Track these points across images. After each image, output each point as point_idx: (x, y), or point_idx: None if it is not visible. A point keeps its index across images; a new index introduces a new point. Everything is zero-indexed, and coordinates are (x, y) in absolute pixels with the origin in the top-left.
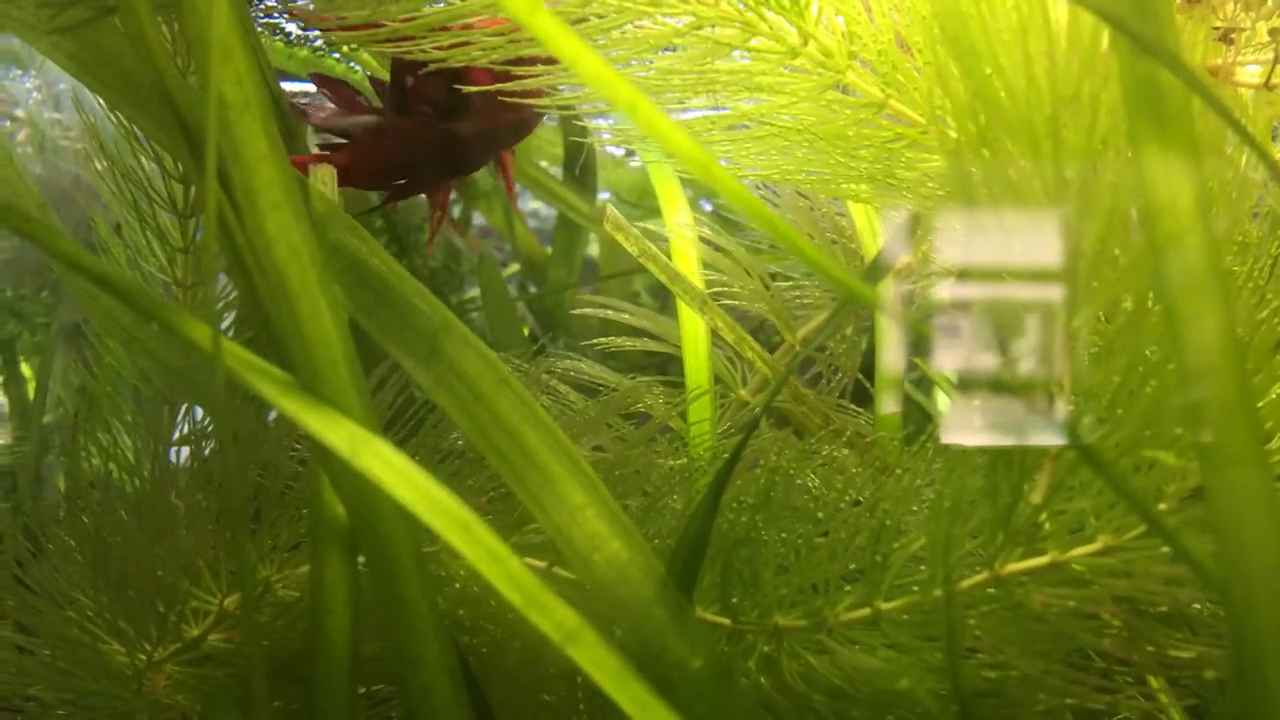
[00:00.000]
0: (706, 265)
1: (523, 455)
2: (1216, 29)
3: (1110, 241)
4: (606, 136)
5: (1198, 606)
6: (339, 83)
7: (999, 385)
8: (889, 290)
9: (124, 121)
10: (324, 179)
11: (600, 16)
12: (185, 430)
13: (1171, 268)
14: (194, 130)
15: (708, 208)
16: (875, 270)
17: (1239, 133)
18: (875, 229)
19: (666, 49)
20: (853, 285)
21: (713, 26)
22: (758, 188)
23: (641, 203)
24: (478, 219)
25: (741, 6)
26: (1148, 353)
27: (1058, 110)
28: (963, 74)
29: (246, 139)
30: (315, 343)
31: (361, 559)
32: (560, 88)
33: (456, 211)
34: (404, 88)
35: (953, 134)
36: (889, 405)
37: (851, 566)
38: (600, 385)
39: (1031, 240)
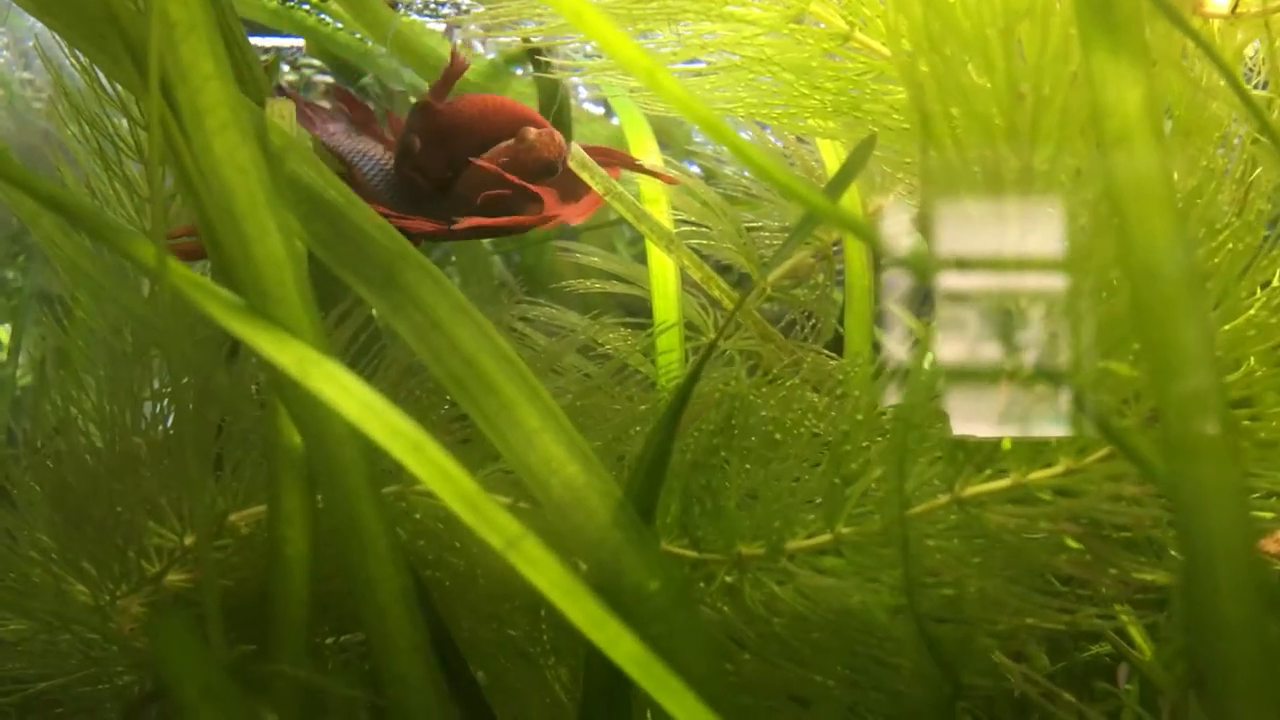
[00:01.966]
0: (677, 209)
1: (479, 381)
2: None
3: (1064, 157)
4: (582, 92)
5: (1157, 532)
6: (357, 103)
7: (961, 304)
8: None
9: (88, 68)
10: (282, 112)
11: None
12: (155, 388)
13: (1119, 169)
14: (140, 53)
15: (693, 168)
16: (835, 187)
17: (1197, 42)
18: None
19: None
20: (809, 196)
21: None
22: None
23: None
24: None
25: None
26: (1104, 269)
27: (1011, 24)
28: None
29: (192, 59)
30: (264, 264)
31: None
32: (524, 23)
33: None
34: (409, 149)
35: (912, 60)
36: (859, 337)
37: (816, 500)
38: (559, 327)
39: (988, 160)
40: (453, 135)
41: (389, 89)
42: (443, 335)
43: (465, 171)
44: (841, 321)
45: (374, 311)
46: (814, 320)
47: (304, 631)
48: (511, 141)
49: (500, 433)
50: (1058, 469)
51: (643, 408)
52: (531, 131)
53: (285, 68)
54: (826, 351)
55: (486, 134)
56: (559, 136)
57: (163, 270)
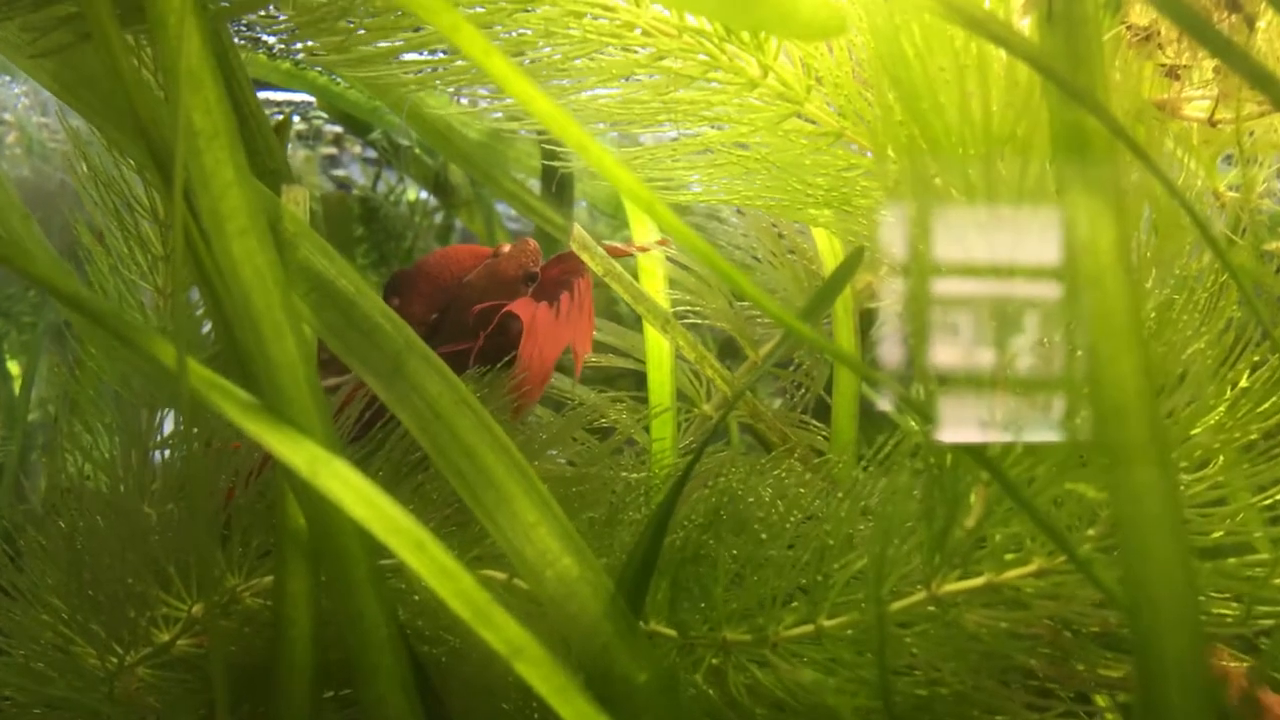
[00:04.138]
0: (673, 284)
1: (479, 473)
2: (1164, 65)
3: (1040, 278)
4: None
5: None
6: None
7: (935, 412)
8: (843, 320)
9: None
10: (296, 199)
11: (568, 43)
12: (164, 434)
13: (1091, 307)
14: (164, 156)
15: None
16: (818, 304)
17: (1164, 183)
18: (836, 249)
19: (631, 78)
20: (789, 322)
21: (676, 59)
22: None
23: (618, 215)
24: (459, 227)
25: (703, 39)
26: (1076, 387)
27: (992, 149)
28: (904, 112)
29: (214, 167)
30: (278, 364)
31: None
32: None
33: (438, 218)
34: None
35: (895, 167)
36: (845, 425)
37: (802, 581)
38: (568, 398)
39: (967, 275)
40: (426, 281)
41: (396, 143)
42: (444, 426)
43: (449, 303)
44: (827, 389)
45: None
46: (804, 390)
47: (309, 708)
48: (489, 260)
49: (498, 525)
50: (1030, 568)
51: (637, 476)
52: (505, 245)
53: (296, 118)
54: (815, 424)
55: (454, 271)
56: (533, 244)
57: (183, 372)
